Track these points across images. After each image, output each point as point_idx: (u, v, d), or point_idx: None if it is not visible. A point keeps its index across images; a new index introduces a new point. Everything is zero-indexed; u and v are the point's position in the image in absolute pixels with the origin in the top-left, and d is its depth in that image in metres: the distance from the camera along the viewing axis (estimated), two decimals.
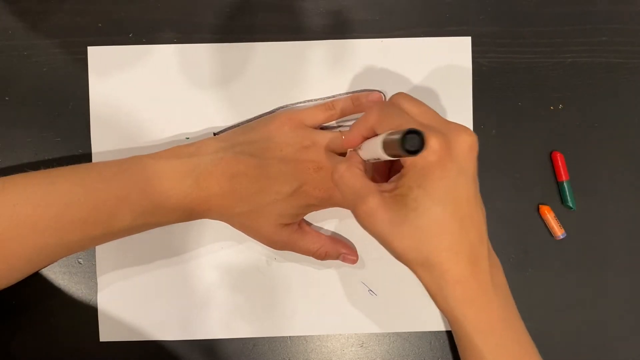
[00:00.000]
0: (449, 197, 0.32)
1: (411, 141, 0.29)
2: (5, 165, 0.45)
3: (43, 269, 0.45)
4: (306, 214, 0.43)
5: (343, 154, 0.43)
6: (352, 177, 0.35)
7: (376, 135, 0.36)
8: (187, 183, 0.38)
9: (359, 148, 0.38)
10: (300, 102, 0.45)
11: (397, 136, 0.30)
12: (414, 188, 0.33)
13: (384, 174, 0.41)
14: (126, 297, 0.45)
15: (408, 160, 0.33)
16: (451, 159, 0.33)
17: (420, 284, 0.35)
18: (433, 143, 0.32)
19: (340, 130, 0.44)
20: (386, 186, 0.35)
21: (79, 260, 0.45)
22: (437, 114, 0.36)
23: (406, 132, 0.29)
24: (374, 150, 0.34)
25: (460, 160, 0.33)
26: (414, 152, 0.29)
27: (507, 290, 0.36)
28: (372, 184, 0.35)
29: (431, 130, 0.33)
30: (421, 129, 0.30)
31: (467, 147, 0.33)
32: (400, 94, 0.37)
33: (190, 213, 0.40)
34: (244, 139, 0.41)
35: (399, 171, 0.36)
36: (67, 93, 0.45)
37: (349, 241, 0.45)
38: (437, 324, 0.45)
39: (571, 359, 0.45)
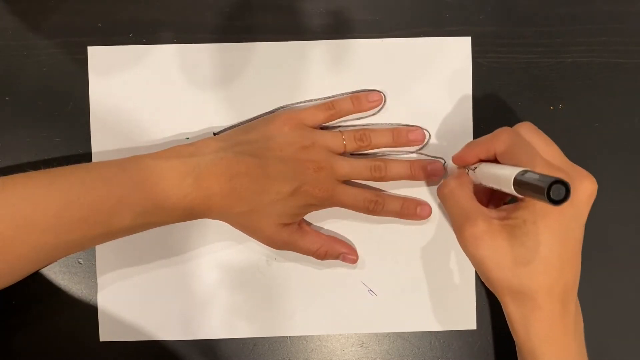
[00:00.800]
0: (558, 239, 0.33)
1: (557, 191, 0.29)
2: (5, 165, 0.45)
3: (43, 269, 0.45)
4: (306, 213, 0.43)
5: (343, 154, 0.43)
6: (463, 195, 0.36)
7: (495, 161, 0.36)
8: (187, 183, 0.38)
9: (472, 168, 0.37)
10: (300, 102, 0.45)
11: (540, 183, 0.30)
12: (528, 223, 0.33)
13: (486, 196, 0.40)
14: (126, 297, 0.45)
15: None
16: (571, 203, 0.32)
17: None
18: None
19: (340, 130, 0.44)
20: (496, 213, 0.35)
21: (79, 260, 0.45)
22: (562, 153, 0.36)
23: (553, 181, 0.29)
24: (495, 179, 0.34)
25: (578, 206, 0.34)
26: (558, 202, 0.30)
27: (583, 335, 0.37)
28: (482, 208, 0.35)
29: (558, 172, 0.33)
30: (548, 170, 0.31)
31: (587, 195, 0.34)
32: (527, 124, 0.37)
33: (190, 213, 0.40)
34: (244, 139, 0.41)
35: (501, 198, 0.37)
36: (67, 93, 0.45)
37: (349, 241, 0.45)
38: (437, 324, 0.45)
39: None
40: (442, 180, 0.41)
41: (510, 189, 0.32)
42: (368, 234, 0.45)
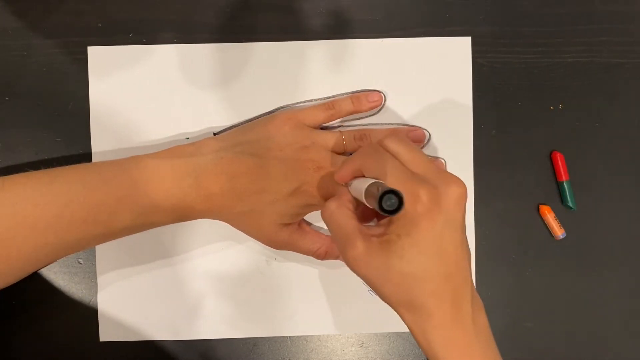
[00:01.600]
0: (435, 247, 0.33)
1: (388, 201, 0.30)
2: (5, 165, 0.45)
3: (43, 269, 0.45)
4: (306, 213, 0.43)
5: (343, 154, 0.43)
6: (341, 217, 0.36)
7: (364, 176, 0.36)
8: (187, 183, 0.38)
9: (349, 185, 0.37)
10: (300, 102, 0.45)
11: (375, 194, 0.30)
12: (402, 236, 0.33)
13: (373, 211, 0.40)
14: (126, 297, 0.45)
15: None
16: (439, 210, 0.33)
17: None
18: (422, 195, 0.33)
19: (340, 130, 0.44)
20: (374, 230, 0.35)
21: (79, 260, 0.45)
22: (429, 161, 0.36)
23: (384, 191, 0.30)
24: (358, 193, 0.34)
25: (448, 211, 0.33)
26: (391, 212, 0.30)
27: (488, 332, 0.36)
28: (360, 228, 0.35)
29: (421, 182, 0.33)
30: (402, 180, 0.31)
31: (455, 199, 0.34)
32: (393, 135, 0.37)
33: (190, 213, 0.40)
34: (244, 139, 0.41)
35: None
36: (67, 93, 0.45)
37: None
38: None
39: (571, 358, 0.45)
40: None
41: (365, 202, 0.32)
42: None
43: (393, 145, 0.36)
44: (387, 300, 0.35)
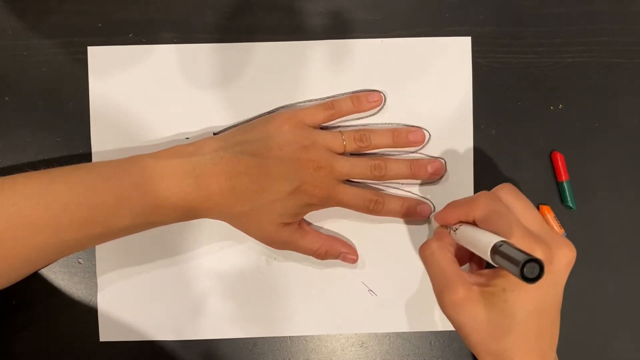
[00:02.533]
0: (536, 307, 0.34)
1: (531, 270, 0.30)
2: (5, 165, 0.45)
3: (43, 269, 0.45)
4: (306, 213, 0.43)
5: (343, 154, 0.43)
6: (443, 259, 0.36)
7: (475, 224, 0.36)
8: (186, 182, 0.38)
9: (453, 229, 0.37)
10: (300, 102, 0.45)
11: (515, 259, 0.30)
12: (507, 291, 0.34)
13: (468, 253, 0.40)
14: (126, 297, 0.45)
15: None
16: (549, 270, 0.33)
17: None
18: (537, 253, 0.33)
19: (340, 130, 0.44)
20: (476, 278, 0.35)
21: (79, 260, 0.45)
22: (541, 218, 0.36)
23: (527, 260, 0.29)
24: (473, 244, 0.34)
25: (557, 274, 0.34)
26: (531, 280, 0.30)
27: None
28: (462, 273, 0.35)
29: (537, 240, 0.34)
30: (526, 240, 0.32)
31: (566, 263, 0.34)
32: (507, 187, 0.37)
33: (190, 212, 0.40)
34: (244, 139, 0.41)
35: (482, 259, 0.36)
36: (67, 93, 0.45)
37: (349, 241, 0.45)
38: (437, 324, 0.45)
39: (570, 358, 0.45)
40: (425, 240, 0.40)
41: (487, 258, 0.32)
42: (368, 234, 0.45)
43: (509, 198, 0.36)
44: (474, 348, 0.35)
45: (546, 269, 0.32)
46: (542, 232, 0.35)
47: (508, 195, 0.36)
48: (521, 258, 0.29)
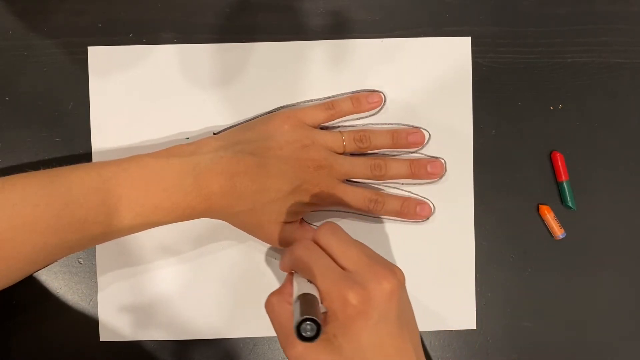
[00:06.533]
0: (372, 342, 0.33)
1: (305, 329, 0.30)
2: (5, 165, 0.45)
3: (43, 269, 0.45)
4: (306, 212, 0.43)
5: (343, 154, 0.43)
6: (282, 314, 0.35)
7: None
8: (186, 182, 0.38)
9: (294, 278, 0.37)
10: (300, 102, 0.45)
11: (295, 317, 0.31)
12: (338, 336, 0.34)
13: None
14: (126, 297, 0.45)
15: (329, 310, 0.34)
16: (371, 307, 0.33)
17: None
18: (351, 298, 0.33)
19: (340, 130, 0.44)
20: None
21: (79, 260, 0.45)
22: (361, 253, 0.35)
23: (301, 320, 0.30)
24: (296, 291, 0.34)
25: (380, 308, 0.33)
26: (309, 339, 0.30)
27: None
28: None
29: (350, 284, 0.33)
30: (338, 281, 0.32)
31: (386, 296, 0.34)
32: (325, 227, 0.37)
33: (190, 212, 0.39)
34: (244, 138, 0.41)
35: None
36: (67, 93, 0.45)
37: None
38: (437, 324, 0.45)
39: (570, 358, 0.45)
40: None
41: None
42: (368, 234, 0.45)
43: (324, 239, 0.36)
44: None
45: (366, 308, 0.33)
46: (360, 269, 0.34)
47: (324, 236, 0.36)
48: (297, 319, 0.30)
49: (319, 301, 0.33)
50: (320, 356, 0.34)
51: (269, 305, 0.36)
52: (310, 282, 0.35)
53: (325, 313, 0.34)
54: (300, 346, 0.34)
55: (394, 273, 0.35)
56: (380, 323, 0.33)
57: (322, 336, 0.33)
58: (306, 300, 0.32)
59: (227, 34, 0.45)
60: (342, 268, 0.35)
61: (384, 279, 0.34)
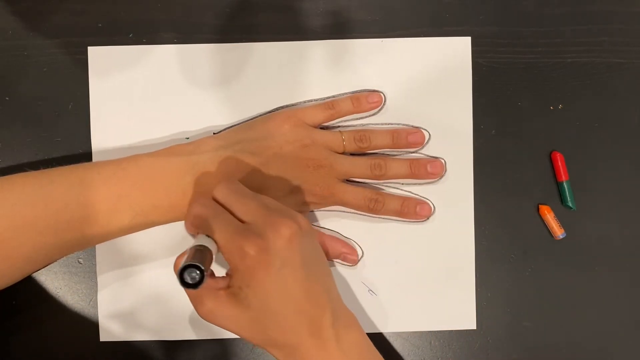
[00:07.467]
0: (277, 289, 0.34)
1: (187, 276, 0.31)
2: (5, 165, 0.45)
3: (43, 269, 0.45)
4: (306, 212, 0.43)
5: (343, 153, 0.43)
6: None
7: None
8: (186, 181, 0.38)
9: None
10: (300, 102, 0.45)
11: (180, 265, 0.31)
12: (243, 288, 0.34)
13: None
14: (126, 297, 0.45)
15: (230, 263, 0.34)
16: (271, 255, 0.33)
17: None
18: (249, 249, 0.33)
19: (340, 131, 0.44)
20: (221, 282, 0.36)
21: (79, 260, 0.45)
22: (262, 204, 0.36)
23: (183, 267, 0.30)
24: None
25: (281, 254, 0.34)
26: (193, 286, 0.31)
27: (361, 346, 0.37)
28: (210, 282, 0.35)
29: (246, 235, 0.34)
30: (235, 234, 0.33)
31: (285, 242, 0.34)
32: (221, 185, 0.37)
33: None
34: (244, 137, 0.41)
35: None
36: (67, 93, 0.45)
37: (350, 241, 0.45)
38: (437, 324, 0.45)
39: (570, 358, 0.45)
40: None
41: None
42: (368, 233, 0.45)
43: (222, 195, 0.36)
44: (253, 343, 0.36)
45: (265, 256, 0.33)
46: (257, 220, 0.35)
47: (221, 192, 0.37)
48: (180, 266, 0.31)
49: (213, 253, 0.33)
50: (228, 309, 0.34)
51: (175, 267, 0.37)
52: (210, 237, 0.35)
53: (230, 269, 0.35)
54: (210, 303, 0.35)
55: (294, 219, 0.35)
56: (283, 269, 0.34)
57: (228, 290, 0.34)
58: (195, 250, 0.32)
59: (227, 34, 0.45)
60: (242, 222, 0.35)
61: (282, 225, 0.34)
